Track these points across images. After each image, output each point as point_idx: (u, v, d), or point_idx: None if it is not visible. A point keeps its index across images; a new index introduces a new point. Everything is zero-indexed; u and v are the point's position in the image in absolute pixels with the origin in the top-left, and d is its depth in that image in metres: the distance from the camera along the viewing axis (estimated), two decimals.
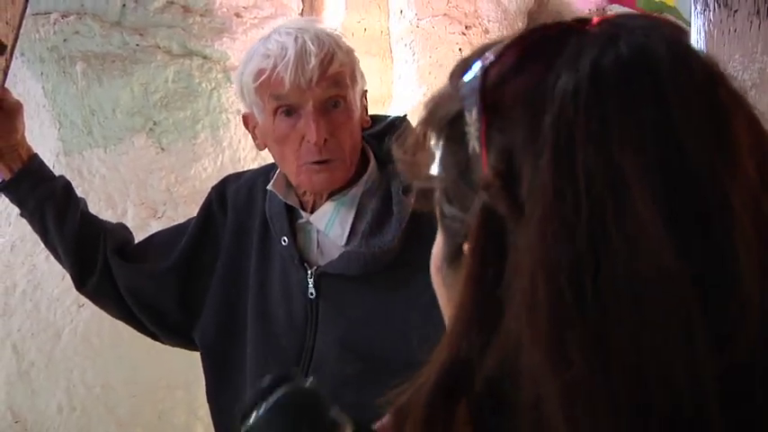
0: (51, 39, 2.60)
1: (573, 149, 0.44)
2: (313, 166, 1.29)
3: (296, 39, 1.27)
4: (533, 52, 0.48)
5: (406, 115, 1.45)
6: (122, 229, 1.59)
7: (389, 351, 1.29)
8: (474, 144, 0.47)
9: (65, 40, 2.60)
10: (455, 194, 0.50)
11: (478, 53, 0.51)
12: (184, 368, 2.56)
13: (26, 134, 2.72)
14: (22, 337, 2.60)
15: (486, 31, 4.97)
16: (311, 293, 1.33)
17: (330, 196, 1.34)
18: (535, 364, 0.43)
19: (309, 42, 1.26)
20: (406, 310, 1.27)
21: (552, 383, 0.43)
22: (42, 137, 2.71)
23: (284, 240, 1.36)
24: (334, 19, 4.60)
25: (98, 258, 1.50)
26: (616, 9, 5.22)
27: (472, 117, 0.47)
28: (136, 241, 1.62)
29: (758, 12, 1.33)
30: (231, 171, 2.73)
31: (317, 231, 1.36)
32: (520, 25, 5.13)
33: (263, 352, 1.38)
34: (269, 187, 1.38)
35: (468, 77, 0.49)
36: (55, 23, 2.60)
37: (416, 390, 0.49)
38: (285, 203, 1.38)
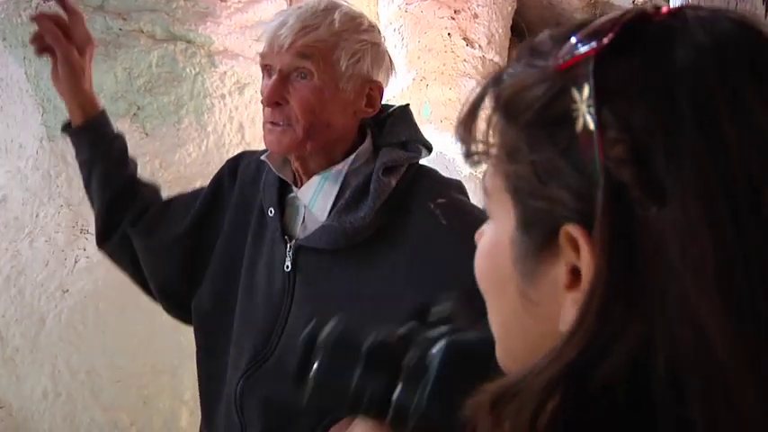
0: (34, 23, 2.58)
1: (717, 121, 0.45)
2: (267, 125, 1.33)
3: (299, 7, 1.33)
4: (638, 33, 0.48)
5: (408, 105, 1.46)
6: (152, 194, 1.61)
7: (355, 332, 1.31)
8: (586, 121, 0.46)
9: None
10: (551, 174, 0.48)
11: (560, 34, 0.51)
12: (169, 353, 2.57)
13: (8, 119, 2.72)
14: (6, 323, 2.59)
15: (476, 16, 4.95)
16: (287, 266, 1.35)
17: (318, 172, 1.36)
18: (712, 333, 0.44)
19: (297, 13, 1.31)
20: (371, 290, 1.29)
21: (733, 341, 0.44)
22: (26, 122, 2.70)
23: (271, 211, 1.39)
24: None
25: (122, 224, 1.55)
26: None
27: (582, 95, 0.46)
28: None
29: None
30: (216, 156, 2.73)
31: (304, 207, 1.38)
32: (509, 10, 5.12)
33: (243, 322, 1.40)
34: (263, 157, 1.41)
35: (567, 56, 0.48)
36: (37, 7, 2.58)
37: (524, 380, 0.48)
38: (279, 177, 1.41)
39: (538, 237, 0.50)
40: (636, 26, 0.48)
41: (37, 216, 2.68)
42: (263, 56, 1.33)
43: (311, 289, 1.35)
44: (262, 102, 1.34)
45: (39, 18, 1.50)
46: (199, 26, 2.69)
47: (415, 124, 1.42)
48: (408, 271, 1.28)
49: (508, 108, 0.51)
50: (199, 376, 1.51)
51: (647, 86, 0.46)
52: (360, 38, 1.34)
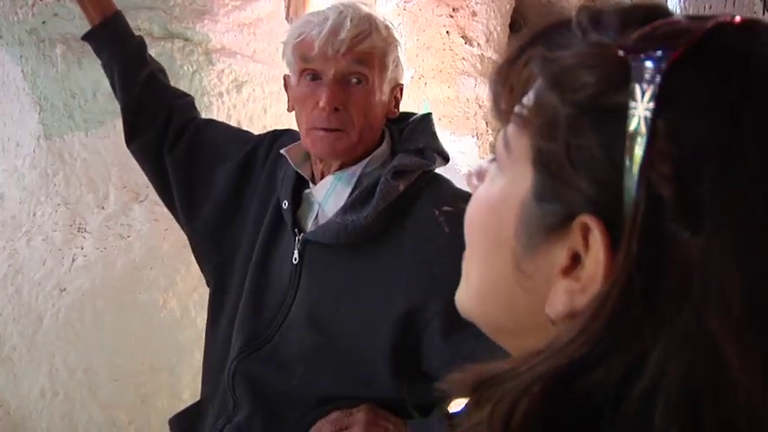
0: (30, 21, 2.57)
1: None
2: (318, 131, 1.34)
3: (340, 12, 1.34)
4: (714, 45, 0.46)
5: (430, 113, 1.49)
6: (188, 107, 1.65)
7: (346, 329, 1.34)
8: (640, 124, 0.44)
9: (44, 23, 2.57)
10: (585, 162, 0.46)
11: (630, 15, 0.49)
12: (167, 352, 2.57)
13: (5, 118, 2.71)
14: (4, 322, 2.59)
15: (474, 14, 4.95)
16: (295, 259, 1.38)
17: (336, 171, 1.39)
18: (736, 371, 0.43)
19: (350, 18, 1.32)
20: (370, 289, 1.32)
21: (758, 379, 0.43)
22: (23, 120, 2.69)
23: (285, 204, 1.42)
24: (321, 3, 4.57)
25: (153, 128, 1.58)
26: None
27: (645, 96, 0.44)
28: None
29: None
30: None
31: (318, 204, 1.41)
32: (507, 8, 5.11)
33: (249, 305, 1.43)
34: (282, 151, 1.44)
35: (638, 47, 0.46)
36: (33, 6, 2.57)
37: (514, 370, 0.47)
38: (296, 172, 1.44)
39: (552, 215, 0.49)
40: (713, 37, 0.46)
41: (34, 215, 2.67)
42: (308, 59, 1.34)
43: (313, 282, 1.37)
44: (304, 103, 1.34)
45: None
46: (196, 24, 2.68)
47: (435, 133, 1.45)
48: (404, 274, 1.30)
49: (559, 80, 0.48)
50: (204, 349, 1.56)
51: (714, 106, 0.44)
52: (396, 44, 1.39)
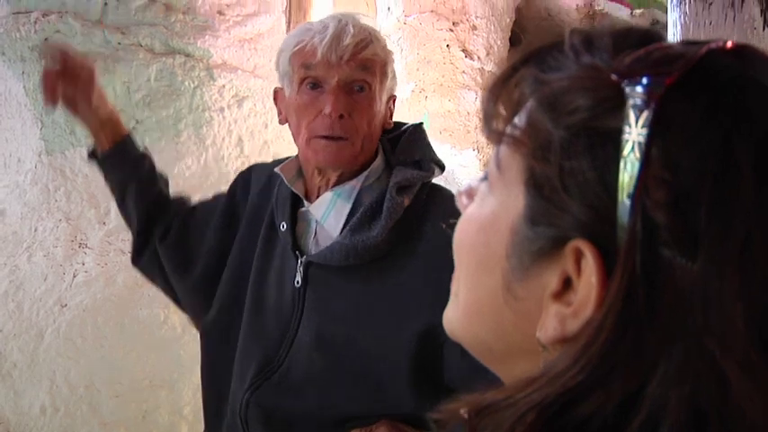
0: (32, 38, 2.58)
1: None
2: (321, 140, 1.31)
3: (339, 20, 1.32)
4: (708, 71, 0.46)
5: (421, 123, 1.47)
6: (179, 207, 1.62)
7: (359, 348, 1.31)
8: (634, 149, 0.44)
9: (46, 39, 2.58)
10: (578, 186, 0.46)
11: (623, 37, 0.49)
12: (168, 368, 2.56)
13: (7, 133, 2.72)
14: (5, 338, 2.58)
15: (474, 28, 4.97)
16: (297, 282, 1.35)
17: (334, 186, 1.37)
18: (744, 398, 0.42)
19: (351, 25, 1.31)
20: (383, 311, 1.29)
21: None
22: (24, 136, 2.70)
23: (283, 226, 1.39)
24: (322, 16, 4.60)
25: (154, 236, 1.58)
26: (604, 5, 5.22)
27: (639, 121, 0.44)
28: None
29: (732, 4, 1.32)
30: (215, 169, 2.73)
31: (316, 222, 1.38)
32: (508, 21, 5.13)
33: (250, 335, 1.40)
34: (276, 169, 1.41)
35: (632, 71, 0.46)
36: (36, 22, 2.58)
37: (509, 399, 0.47)
38: (291, 191, 1.41)
39: (544, 239, 0.48)
40: (706, 63, 0.46)
41: (35, 230, 2.67)
42: (310, 66, 1.32)
43: (320, 305, 1.34)
44: (304, 111, 1.33)
45: (45, 77, 1.50)
46: (197, 40, 2.69)
47: (429, 143, 1.43)
48: (420, 290, 1.28)
49: (553, 102, 0.48)
50: (203, 387, 1.52)
51: (708, 132, 0.44)
52: (392, 55, 1.38)
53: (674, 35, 1.52)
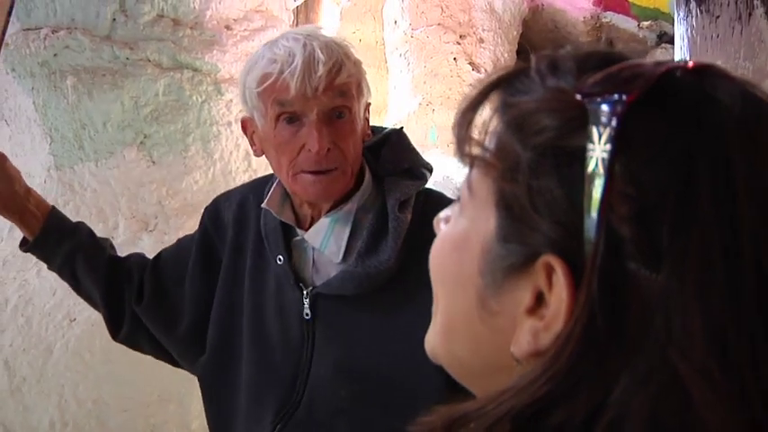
0: (42, 54, 2.60)
1: (734, 199, 0.44)
2: (308, 175, 1.26)
3: (304, 45, 1.24)
4: (667, 89, 0.47)
5: (402, 128, 1.42)
6: (139, 266, 1.54)
7: (386, 374, 1.27)
8: (598, 166, 0.45)
9: (55, 55, 2.60)
10: (546, 204, 0.47)
11: (585, 59, 0.51)
12: (176, 382, 2.56)
13: (17, 149, 2.73)
14: (14, 353, 2.59)
15: (481, 41, 4.97)
16: (306, 314, 1.30)
17: (327, 212, 1.31)
18: (705, 405, 0.43)
19: (318, 50, 1.23)
20: (406, 331, 1.23)
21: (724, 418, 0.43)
22: (34, 151, 2.71)
23: (279, 259, 1.33)
24: (329, 29, 4.61)
25: (125, 305, 1.50)
26: (610, 17, 5.23)
27: (602, 139, 0.45)
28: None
29: (740, 17, 1.32)
30: (222, 183, 2.74)
31: (313, 249, 1.33)
32: (515, 34, 5.14)
33: (258, 375, 1.35)
34: (263, 205, 1.34)
35: (594, 91, 0.47)
36: (45, 38, 2.60)
37: (481, 409, 0.48)
38: (281, 221, 1.34)
39: (515, 255, 0.49)
40: (667, 82, 0.47)
41: None
42: (285, 103, 1.24)
43: (334, 335, 1.30)
44: (286, 148, 1.26)
45: None
46: (205, 54, 2.71)
47: (414, 148, 1.39)
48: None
49: (519, 125, 0.50)
50: (210, 429, 1.47)
51: (668, 148, 0.45)
52: (362, 65, 1.32)
53: (681, 49, 1.52)
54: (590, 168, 0.45)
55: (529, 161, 0.48)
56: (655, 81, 0.47)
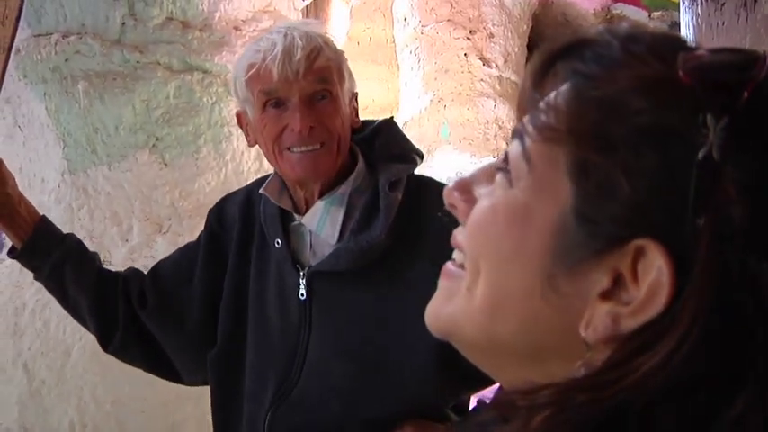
0: (53, 59, 2.62)
1: None
2: (293, 154, 1.32)
3: (285, 35, 1.32)
4: None
5: (392, 117, 1.48)
6: (135, 276, 1.56)
7: (379, 352, 1.31)
8: (713, 151, 0.44)
9: (66, 60, 2.62)
10: (646, 183, 0.45)
11: (669, 39, 0.49)
12: None
13: (31, 154, 2.76)
14: (33, 356, 2.62)
15: (491, 35, 4.97)
16: (302, 294, 1.35)
17: (321, 196, 1.36)
18: None
19: (297, 38, 1.30)
20: (400, 306, 1.29)
21: None
22: (47, 156, 2.74)
23: (277, 243, 1.38)
24: (339, 28, 4.61)
25: (119, 314, 1.50)
26: (621, 8, 5.20)
27: (719, 125, 0.44)
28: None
29: (745, 4, 1.31)
30: (235, 184, 2.75)
31: (310, 233, 1.38)
32: (525, 28, 5.12)
33: (259, 357, 1.40)
34: (261, 190, 1.40)
35: (705, 74, 0.46)
36: (56, 44, 2.62)
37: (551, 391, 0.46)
38: (279, 207, 1.40)
39: (600, 236, 0.47)
40: None
41: None
42: (269, 89, 1.31)
43: (330, 315, 1.34)
44: (271, 131, 1.32)
45: None
46: (215, 56, 2.72)
47: (403, 135, 1.45)
48: (429, 280, 1.27)
49: (610, 101, 0.47)
50: (214, 421, 1.49)
51: None
52: (344, 54, 1.39)
53: (687, 37, 1.52)
54: (702, 153, 0.44)
55: (624, 138, 0.46)
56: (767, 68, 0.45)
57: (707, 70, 0.46)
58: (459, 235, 0.57)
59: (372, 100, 5.00)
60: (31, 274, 2.71)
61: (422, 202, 1.35)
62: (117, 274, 1.55)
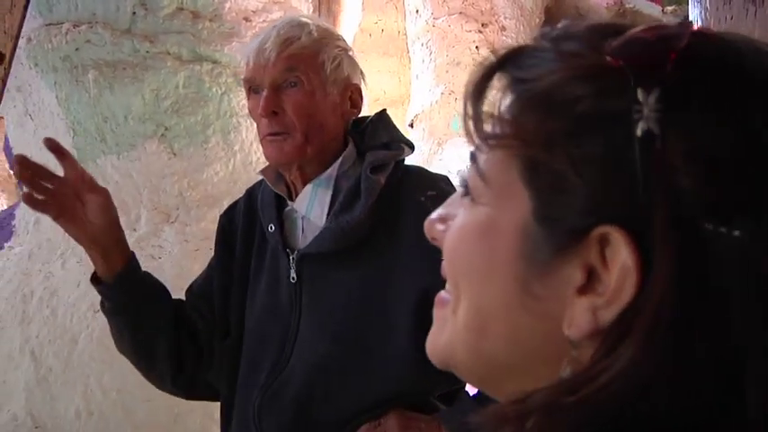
0: (63, 48, 2.63)
1: None
2: (266, 138, 1.36)
3: (273, 27, 1.38)
4: (703, 44, 0.47)
5: (384, 110, 1.50)
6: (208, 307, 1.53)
7: (366, 331, 1.33)
8: (651, 126, 0.44)
9: (77, 49, 2.63)
10: (593, 171, 0.45)
11: (598, 27, 0.50)
12: None
13: (41, 143, 2.77)
14: (40, 344, 2.63)
15: (503, 29, 4.94)
16: (292, 278, 1.38)
17: (305, 181, 1.39)
18: None
19: (278, 29, 1.36)
20: (383, 287, 1.32)
21: None
22: None
23: (270, 228, 1.41)
24: (351, 21, 4.60)
25: (187, 350, 1.49)
26: (635, 2, 5.17)
27: (650, 98, 0.44)
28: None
29: None
30: (243, 174, 2.76)
31: (302, 218, 1.41)
32: (537, 21, 5.10)
33: (255, 339, 1.42)
34: (257, 171, 1.46)
35: (631, 52, 0.46)
36: (67, 33, 2.63)
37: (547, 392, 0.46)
38: (275, 194, 1.44)
39: (561, 233, 0.47)
40: (700, 38, 0.47)
41: (69, 237, 2.71)
42: (249, 79, 1.37)
43: (318, 297, 1.37)
44: (255, 117, 1.38)
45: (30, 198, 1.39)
46: (224, 46, 2.72)
47: (395, 126, 1.47)
48: (407, 264, 1.31)
49: (545, 97, 0.47)
50: (222, 414, 1.50)
51: (719, 99, 0.44)
52: (336, 44, 1.40)
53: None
54: (640, 129, 0.44)
55: (564, 131, 0.46)
56: (689, 38, 0.46)
57: (630, 47, 0.46)
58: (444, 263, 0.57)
59: (384, 92, 4.99)
60: (38, 263, 2.74)
61: (404, 187, 1.38)
62: (186, 311, 1.52)
